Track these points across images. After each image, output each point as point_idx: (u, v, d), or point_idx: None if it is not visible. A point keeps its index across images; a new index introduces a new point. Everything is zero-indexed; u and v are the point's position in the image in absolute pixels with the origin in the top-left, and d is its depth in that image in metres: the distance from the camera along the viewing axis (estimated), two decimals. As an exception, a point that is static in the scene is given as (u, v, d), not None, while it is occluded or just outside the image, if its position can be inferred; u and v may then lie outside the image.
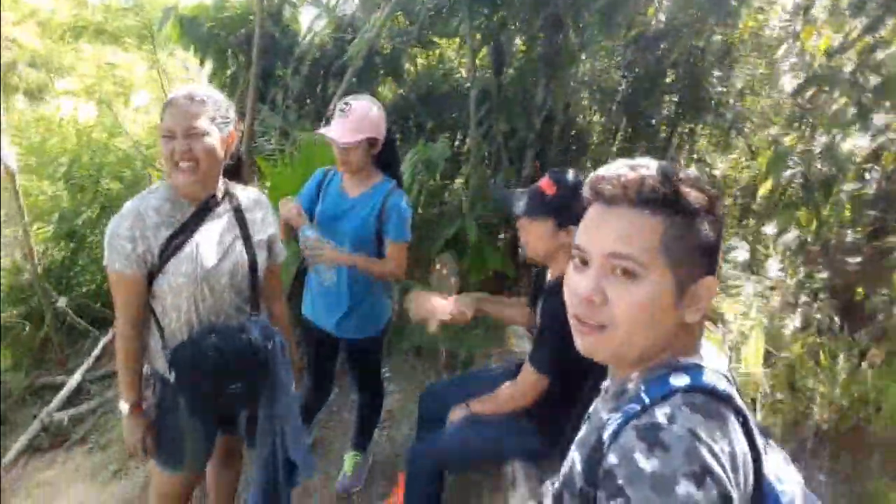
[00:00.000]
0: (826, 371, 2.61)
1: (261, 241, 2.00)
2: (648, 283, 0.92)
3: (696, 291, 0.94)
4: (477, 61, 4.97)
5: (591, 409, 1.13)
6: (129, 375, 1.90)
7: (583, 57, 5.11)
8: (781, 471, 1.01)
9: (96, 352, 3.93)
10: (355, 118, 2.34)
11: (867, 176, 3.16)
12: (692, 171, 0.97)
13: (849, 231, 3.16)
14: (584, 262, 0.98)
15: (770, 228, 3.34)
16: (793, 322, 2.83)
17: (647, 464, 0.83)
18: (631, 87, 5.18)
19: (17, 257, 4.14)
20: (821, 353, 2.68)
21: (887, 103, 3.22)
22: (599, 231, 0.96)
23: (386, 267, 2.50)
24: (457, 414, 2.25)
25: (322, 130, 2.40)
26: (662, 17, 4.82)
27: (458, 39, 5.46)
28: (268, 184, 4.09)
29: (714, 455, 0.83)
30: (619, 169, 0.96)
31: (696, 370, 0.96)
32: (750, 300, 2.96)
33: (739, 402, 0.95)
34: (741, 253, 3.54)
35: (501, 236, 4.71)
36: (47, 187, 4.71)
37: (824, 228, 3.21)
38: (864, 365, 2.58)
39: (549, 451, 2.11)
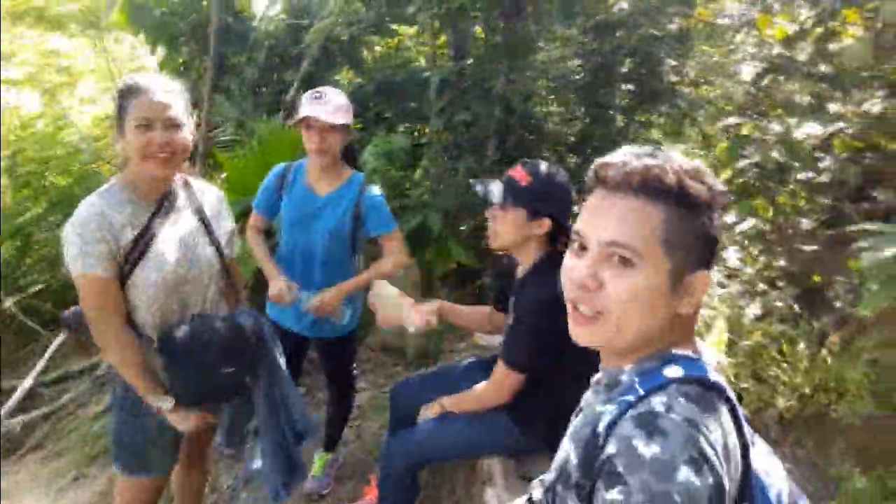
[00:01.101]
0: (787, 358, 2.67)
1: (221, 235, 2.00)
2: (644, 272, 0.91)
3: (691, 283, 0.94)
4: (436, 49, 4.93)
5: (582, 402, 1.12)
6: (149, 375, 1.83)
7: (541, 44, 5.11)
8: (768, 463, 1.03)
9: (48, 354, 3.77)
10: (333, 104, 2.32)
11: (821, 164, 3.22)
12: (699, 163, 0.95)
13: (803, 220, 3.23)
14: (583, 248, 0.97)
15: (728, 218, 3.40)
16: (753, 310, 2.89)
17: (646, 450, 0.83)
18: (588, 75, 5.20)
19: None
20: (781, 340, 2.74)
21: (839, 93, 3.30)
22: (600, 218, 0.95)
23: (392, 263, 2.50)
24: (429, 411, 2.23)
25: (304, 112, 2.30)
26: (625, 5, 4.83)
27: (415, 27, 5.40)
28: (223, 175, 3.99)
29: (710, 444, 0.85)
30: (624, 156, 0.94)
31: (689, 361, 0.96)
32: (711, 289, 2.99)
33: (730, 392, 0.96)
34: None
35: (463, 228, 4.67)
36: (-13, 183, 4.49)
37: (780, 216, 3.28)
38: (824, 352, 2.64)
39: (528, 446, 2.10)
